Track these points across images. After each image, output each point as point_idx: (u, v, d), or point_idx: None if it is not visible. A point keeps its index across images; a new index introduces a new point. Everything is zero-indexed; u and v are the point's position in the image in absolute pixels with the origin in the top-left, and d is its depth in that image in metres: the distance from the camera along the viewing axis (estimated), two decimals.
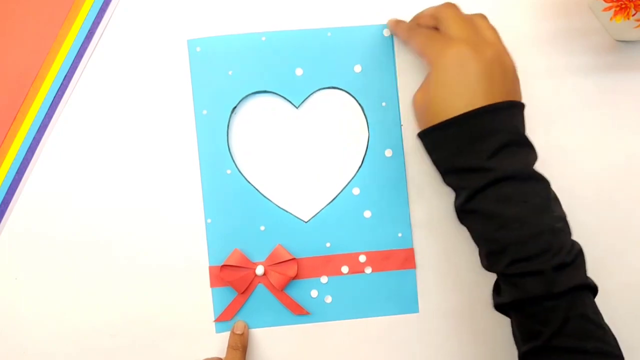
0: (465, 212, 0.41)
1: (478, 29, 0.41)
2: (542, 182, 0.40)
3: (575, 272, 0.38)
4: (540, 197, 0.39)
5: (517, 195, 0.38)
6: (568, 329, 0.37)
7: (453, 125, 0.39)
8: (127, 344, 0.47)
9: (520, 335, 0.40)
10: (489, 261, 0.41)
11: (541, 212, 0.38)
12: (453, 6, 0.43)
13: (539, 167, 0.48)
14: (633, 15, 0.43)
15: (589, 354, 0.37)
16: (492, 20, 0.49)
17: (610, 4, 0.44)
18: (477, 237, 0.41)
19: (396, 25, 0.46)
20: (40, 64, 0.47)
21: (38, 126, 0.47)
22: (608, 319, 0.49)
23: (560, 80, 0.49)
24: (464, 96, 0.39)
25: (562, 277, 0.37)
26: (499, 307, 0.41)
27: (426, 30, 0.43)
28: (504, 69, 0.40)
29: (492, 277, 0.48)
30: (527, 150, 0.40)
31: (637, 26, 0.45)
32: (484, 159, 0.38)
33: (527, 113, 0.48)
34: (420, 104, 0.42)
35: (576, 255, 0.39)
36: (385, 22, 0.48)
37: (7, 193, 0.47)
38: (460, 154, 0.40)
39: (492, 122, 0.39)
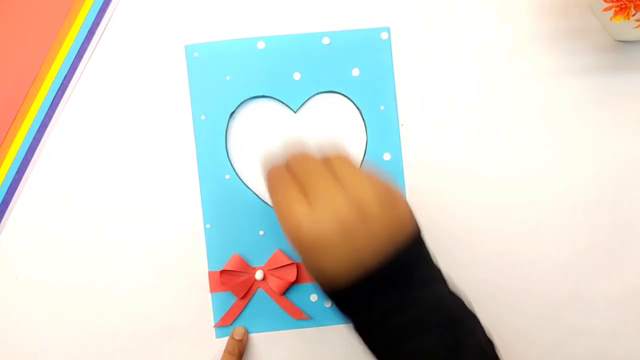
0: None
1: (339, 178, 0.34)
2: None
3: None
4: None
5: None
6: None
7: (338, 298, 0.34)
8: (126, 348, 0.48)
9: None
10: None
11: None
12: (305, 158, 0.36)
13: (540, 165, 0.48)
14: (633, 15, 0.43)
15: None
16: (493, 21, 0.49)
17: (610, 4, 0.43)
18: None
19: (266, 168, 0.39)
20: (40, 64, 0.47)
21: (38, 126, 0.47)
22: (608, 320, 0.49)
23: (560, 80, 0.49)
24: (340, 261, 0.33)
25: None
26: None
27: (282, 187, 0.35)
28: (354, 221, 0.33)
29: (491, 278, 0.48)
30: (425, 296, 0.34)
31: (637, 26, 0.44)
32: (370, 321, 0.34)
33: (528, 113, 0.49)
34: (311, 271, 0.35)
35: None
36: (384, 24, 0.48)
37: (7, 193, 0.47)
38: (348, 315, 0.35)
39: (373, 290, 0.33)
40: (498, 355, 0.37)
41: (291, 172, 0.36)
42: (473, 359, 0.35)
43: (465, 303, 0.37)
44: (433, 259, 0.37)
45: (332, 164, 0.35)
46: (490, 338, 0.38)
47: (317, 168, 0.35)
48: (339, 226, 0.32)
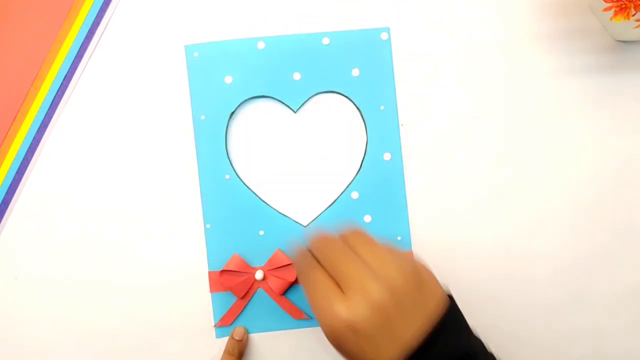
0: None
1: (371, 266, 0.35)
2: None
3: None
4: None
5: None
6: None
7: None
8: (126, 348, 0.48)
9: None
10: None
11: None
12: (338, 245, 0.37)
13: (540, 165, 0.48)
14: (633, 15, 0.43)
15: None
16: (493, 21, 0.49)
17: (610, 4, 0.43)
18: None
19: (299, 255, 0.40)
20: (40, 64, 0.47)
21: (38, 126, 0.47)
22: (608, 317, 0.49)
23: (560, 80, 0.49)
24: (379, 347, 0.33)
25: None
26: None
27: (321, 280, 0.36)
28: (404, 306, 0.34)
29: (491, 278, 0.48)
30: None
31: (637, 26, 0.44)
32: None
33: (528, 113, 0.49)
34: (352, 354, 0.35)
35: None
36: (384, 25, 0.48)
37: (7, 193, 0.47)
38: None
39: None
40: None
41: (317, 258, 0.37)
42: None
43: None
44: (467, 324, 0.37)
45: (350, 241, 0.37)
46: None
47: (342, 252, 0.36)
48: (375, 312, 0.33)
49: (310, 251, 0.38)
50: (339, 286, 0.34)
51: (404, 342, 0.33)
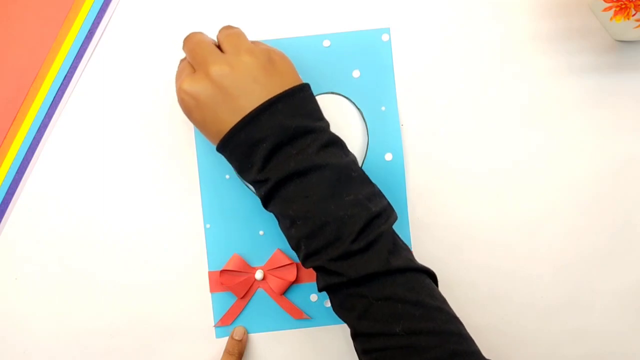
0: (271, 212, 0.41)
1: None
2: (326, 169, 0.38)
3: (369, 259, 0.37)
4: (324, 185, 0.37)
5: (297, 193, 0.37)
6: (370, 313, 0.37)
7: (224, 147, 0.39)
8: (126, 348, 0.48)
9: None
10: (297, 256, 0.40)
11: (324, 202, 0.37)
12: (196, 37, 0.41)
13: (540, 165, 0.48)
14: (633, 15, 0.43)
15: (397, 336, 0.36)
16: (493, 21, 0.49)
17: (610, 4, 0.43)
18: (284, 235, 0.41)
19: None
20: (40, 64, 0.47)
21: (38, 126, 0.47)
22: (608, 317, 0.49)
23: (560, 80, 0.49)
24: (218, 114, 0.38)
25: (353, 265, 0.37)
26: (319, 290, 0.40)
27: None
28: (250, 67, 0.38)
29: (491, 278, 0.48)
30: (304, 142, 0.38)
31: (637, 26, 0.44)
32: (256, 173, 0.38)
33: (528, 113, 0.49)
34: (199, 122, 0.40)
35: (374, 239, 0.37)
36: (384, 26, 0.48)
37: (7, 193, 0.47)
38: (242, 171, 0.39)
39: (253, 133, 0.37)
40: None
41: (184, 50, 0.41)
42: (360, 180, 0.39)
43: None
44: (319, 111, 0.41)
45: (219, 37, 0.40)
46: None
47: (202, 42, 0.40)
48: (213, 84, 0.37)
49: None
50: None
51: (242, 110, 0.37)
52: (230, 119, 0.38)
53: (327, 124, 0.40)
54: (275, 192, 0.38)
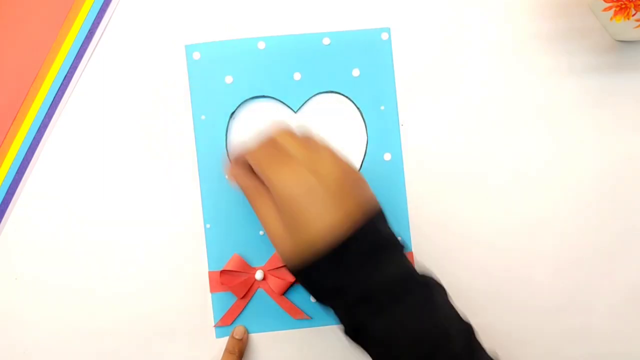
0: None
1: (311, 147, 0.38)
2: (426, 286, 0.36)
3: None
4: (425, 306, 0.36)
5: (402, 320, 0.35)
6: None
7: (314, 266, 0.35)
8: (126, 348, 0.48)
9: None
10: None
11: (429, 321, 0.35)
12: (283, 131, 0.39)
13: (540, 165, 0.48)
14: (633, 15, 0.43)
15: None
16: (493, 21, 0.49)
17: (610, 4, 0.43)
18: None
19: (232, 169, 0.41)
20: (40, 64, 0.47)
21: (38, 126, 0.47)
22: (608, 317, 0.49)
23: (560, 80, 0.49)
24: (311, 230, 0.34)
25: None
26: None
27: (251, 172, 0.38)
28: (345, 183, 0.36)
29: (492, 278, 0.48)
30: (390, 254, 0.36)
31: (637, 26, 0.44)
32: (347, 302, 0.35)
33: (528, 113, 0.49)
34: (279, 236, 0.36)
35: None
36: (384, 25, 0.48)
37: (7, 193, 0.47)
38: (327, 293, 0.37)
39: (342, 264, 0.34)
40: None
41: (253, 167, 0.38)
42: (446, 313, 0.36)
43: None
44: (396, 235, 0.38)
45: (280, 142, 0.38)
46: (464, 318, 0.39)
47: (274, 155, 0.37)
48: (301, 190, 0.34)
49: (245, 161, 0.39)
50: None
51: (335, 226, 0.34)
52: (329, 221, 0.34)
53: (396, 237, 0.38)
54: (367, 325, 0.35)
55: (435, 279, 0.38)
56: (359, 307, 0.35)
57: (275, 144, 0.38)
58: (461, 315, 0.38)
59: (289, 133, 0.38)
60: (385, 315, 0.35)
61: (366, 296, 0.35)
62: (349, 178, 0.36)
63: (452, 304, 0.38)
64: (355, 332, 0.36)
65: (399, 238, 0.38)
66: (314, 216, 0.34)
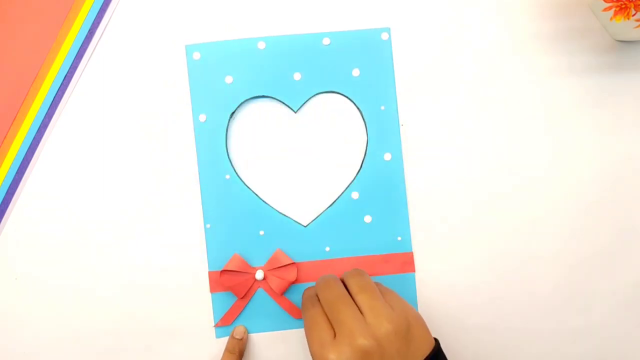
0: None
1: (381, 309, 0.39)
2: None
3: None
4: None
5: None
6: None
7: None
8: (126, 348, 0.48)
9: None
10: None
11: None
12: (362, 282, 0.41)
13: (540, 164, 0.48)
14: (633, 15, 0.43)
15: None
16: (493, 21, 0.49)
17: (610, 4, 0.43)
18: None
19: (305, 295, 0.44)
20: (40, 64, 0.47)
21: (38, 126, 0.47)
22: (607, 317, 0.49)
23: (560, 80, 0.49)
24: None
25: None
26: None
27: (318, 313, 0.40)
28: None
29: (492, 278, 0.48)
30: None
31: (637, 26, 0.44)
32: None
33: (528, 113, 0.49)
34: None
35: None
36: (384, 25, 0.48)
37: (7, 193, 0.47)
38: None
39: None
40: None
41: (319, 297, 0.41)
42: None
43: None
44: None
45: (351, 285, 0.41)
46: None
47: (341, 295, 0.40)
48: (358, 356, 0.36)
49: (315, 292, 0.42)
50: (332, 327, 0.39)
51: None
52: None
53: None
54: None
55: None
56: None
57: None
58: None
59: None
60: None
61: None
62: (401, 330, 0.38)
63: None
64: None
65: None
66: None
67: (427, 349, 0.39)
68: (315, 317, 0.40)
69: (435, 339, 0.40)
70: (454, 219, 0.48)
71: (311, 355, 0.39)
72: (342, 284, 0.41)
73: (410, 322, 0.39)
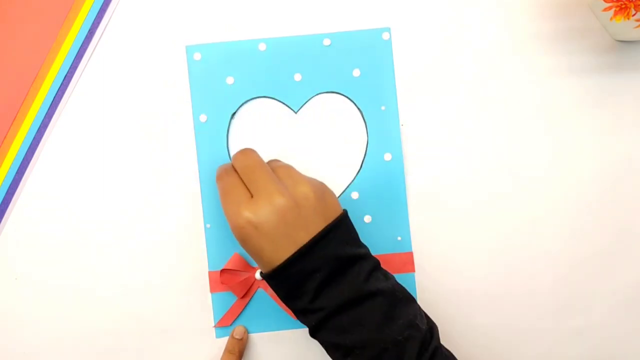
0: (318, 340, 0.41)
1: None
2: (378, 295, 0.38)
3: None
4: (378, 312, 0.38)
5: (351, 322, 0.38)
6: None
7: (276, 276, 0.39)
8: (126, 348, 0.48)
9: None
10: None
11: (381, 328, 0.38)
12: (247, 156, 0.42)
13: (540, 164, 0.48)
14: (633, 15, 0.43)
15: None
16: (493, 21, 0.49)
17: (610, 4, 0.43)
18: None
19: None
20: (40, 64, 0.47)
21: (38, 126, 0.47)
22: (607, 317, 0.49)
23: (560, 80, 0.49)
24: (277, 244, 0.38)
25: None
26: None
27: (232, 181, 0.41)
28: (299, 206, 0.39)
29: (491, 278, 0.48)
30: (355, 270, 0.39)
31: (637, 26, 0.44)
32: (308, 303, 0.38)
33: (528, 113, 0.49)
34: (254, 250, 0.40)
35: (431, 356, 0.38)
36: (384, 25, 0.48)
37: (7, 193, 0.47)
38: (289, 299, 0.40)
39: (306, 265, 0.38)
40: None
41: (236, 168, 0.41)
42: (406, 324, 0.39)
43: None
44: (357, 236, 0.41)
45: (270, 163, 0.42)
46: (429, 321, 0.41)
47: (259, 165, 0.41)
48: (276, 215, 0.38)
49: (232, 168, 0.42)
50: (250, 193, 0.39)
51: (299, 241, 0.38)
52: (288, 249, 0.38)
53: (367, 248, 0.41)
54: (327, 321, 0.38)
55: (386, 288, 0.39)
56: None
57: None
58: (419, 321, 0.39)
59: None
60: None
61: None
62: (317, 191, 0.40)
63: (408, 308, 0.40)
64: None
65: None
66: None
67: (338, 212, 0.40)
68: (231, 182, 0.41)
69: (345, 210, 0.41)
70: (454, 219, 0.48)
71: (227, 218, 0.39)
72: (258, 154, 0.42)
73: (325, 188, 0.41)
